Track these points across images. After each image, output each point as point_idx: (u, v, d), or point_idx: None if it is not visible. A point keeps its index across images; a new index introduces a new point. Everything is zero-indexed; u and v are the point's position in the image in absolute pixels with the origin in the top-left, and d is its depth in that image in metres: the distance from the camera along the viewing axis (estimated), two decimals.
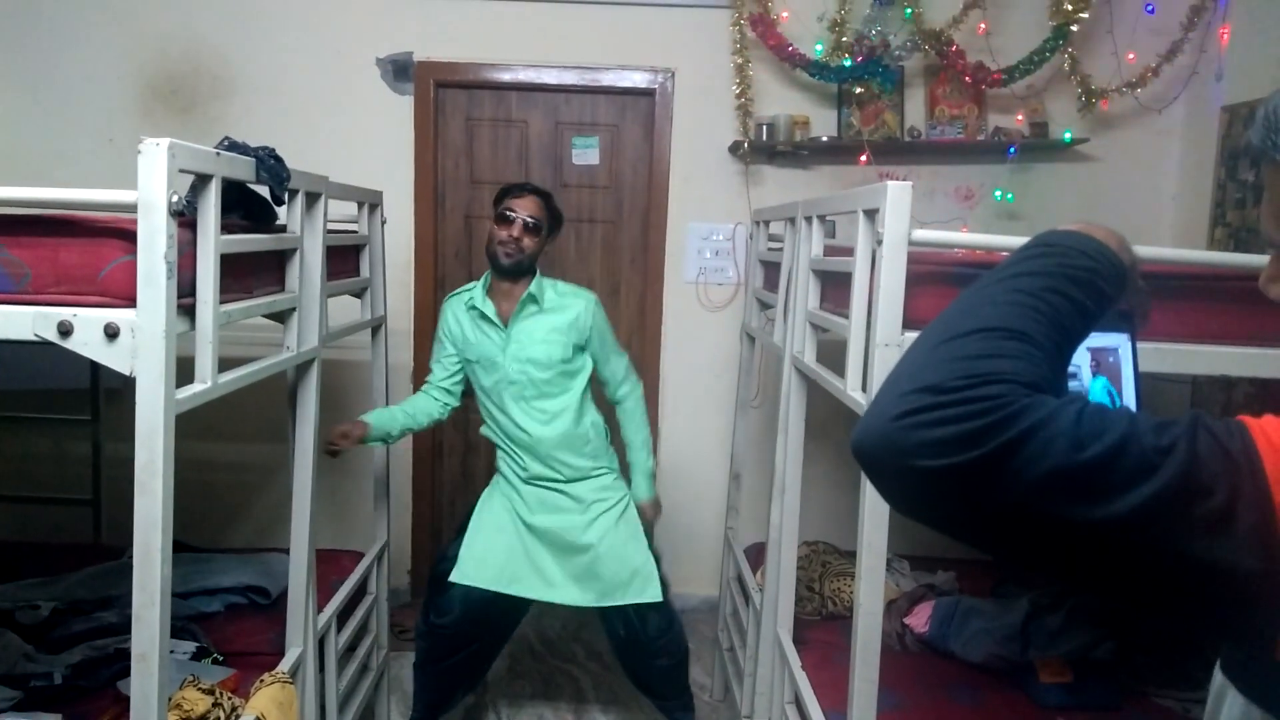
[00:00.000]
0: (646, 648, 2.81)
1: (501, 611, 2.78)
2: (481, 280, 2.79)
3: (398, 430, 2.79)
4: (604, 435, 2.87)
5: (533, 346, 2.71)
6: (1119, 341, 0.82)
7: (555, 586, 2.72)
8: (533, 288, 2.71)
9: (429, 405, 2.84)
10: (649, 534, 2.85)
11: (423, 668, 2.88)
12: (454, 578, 2.68)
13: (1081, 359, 0.81)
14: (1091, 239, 0.89)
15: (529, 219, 2.68)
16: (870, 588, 1.79)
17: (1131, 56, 3.75)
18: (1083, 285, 0.83)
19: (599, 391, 2.88)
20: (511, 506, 2.78)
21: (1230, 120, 3.51)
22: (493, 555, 2.71)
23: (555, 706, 3.34)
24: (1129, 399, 0.81)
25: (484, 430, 2.89)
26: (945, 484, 0.69)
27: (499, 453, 2.86)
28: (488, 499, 2.83)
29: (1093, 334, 0.82)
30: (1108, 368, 0.82)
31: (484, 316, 2.74)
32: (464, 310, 2.79)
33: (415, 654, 2.90)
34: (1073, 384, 0.80)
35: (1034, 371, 0.73)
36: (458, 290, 2.86)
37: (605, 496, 2.78)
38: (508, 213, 2.69)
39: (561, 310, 2.73)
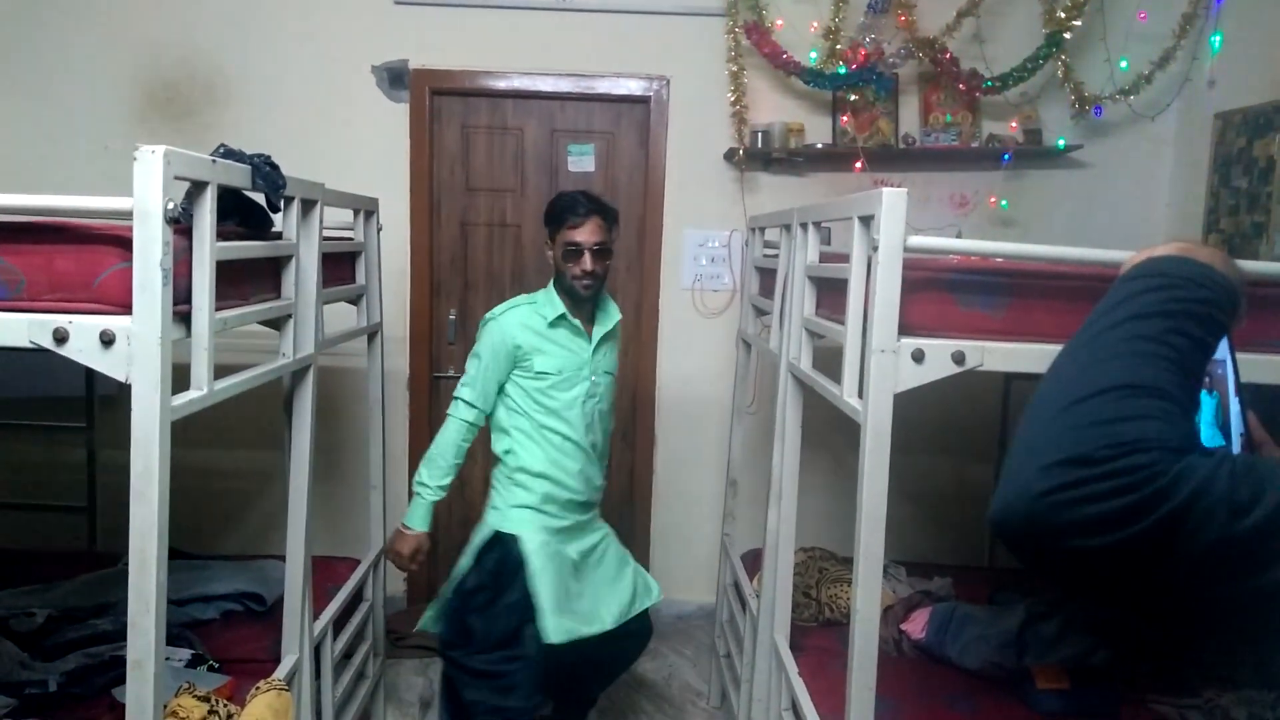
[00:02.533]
0: (625, 658, 2.84)
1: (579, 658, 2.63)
2: (545, 295, 2.63)
3: (444, 497, 2.62)
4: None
5: (606, 359, 2.69)
6: (1224, 352, 0.80)
7: (609, 612, 2.65)
8: (614, 303, 2.72)
9: (469, 439, 2.61)
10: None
11: None
12: (559, 638, 2.47)
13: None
14: (1199, 264, 0.82)
15: (596, 246, 2.54)
16: (867, 594, 1.79)
17: (1124, 64, 3.76)
18: (1202, 320, 0.77)
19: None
20: (560, 548, 2.60)
21: (1223, 127, 3.53)
22: (571, 603, 2.57)
23: None
24: (1234, 414, 0.79)
25: (528, 459, 2.60)
26: (1100, 562, 0.65)
27: (547, 485, 2.60)
28: (540, 549, 2.55)
29: None
30: (1217, 381, 0.79)
31: (575, 328, 2.61)
32: (535, 324, 2.59)
33: None
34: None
35: (1177, 431, 0.68)
36: (510, 305, 2.63)
37: (601, 526, 2.80)
38: (573, 248, 2.54)
39: (610, 312, 2.72)
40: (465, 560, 2.63)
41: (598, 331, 2.65)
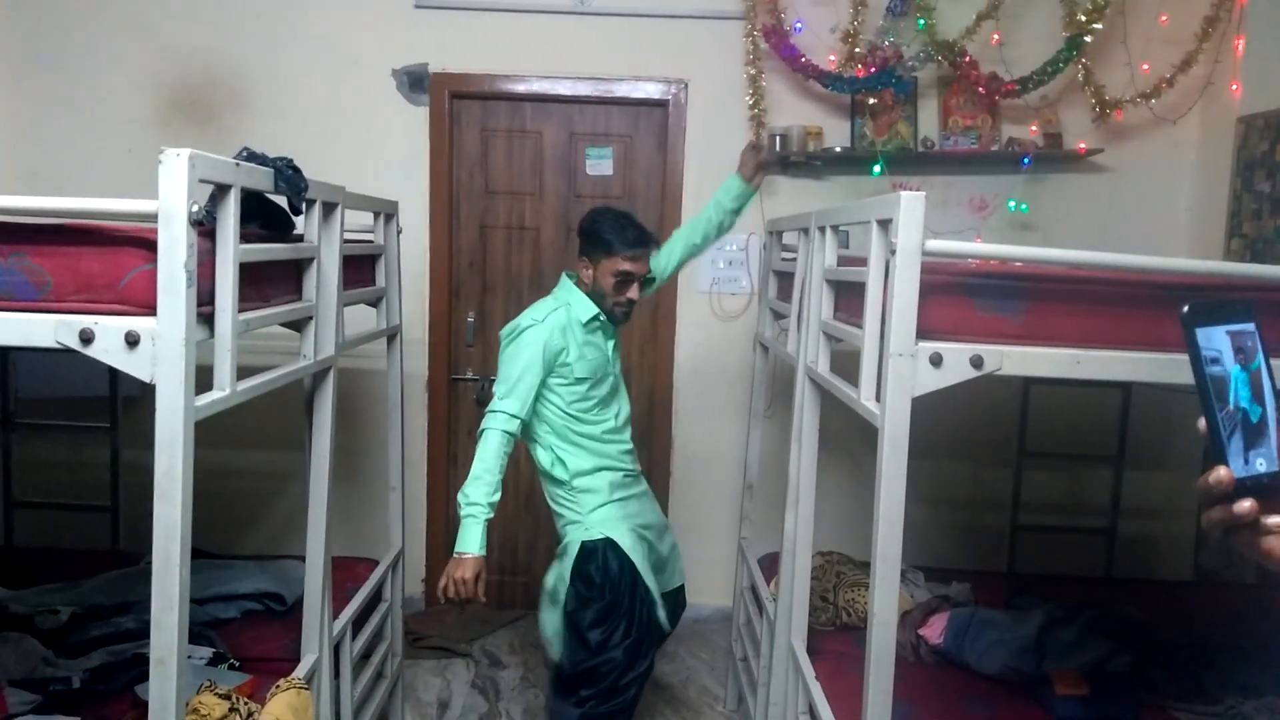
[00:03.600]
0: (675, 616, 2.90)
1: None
2: (569, 296, 2.64)
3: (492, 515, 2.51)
4: None
5: (617, 348, 2.79)
6: (1249, 326, 0.80)
7: (678, 570, 2.88)
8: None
9: (509, 450, 2.52)
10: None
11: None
12: (668, 625, 2.73)
13: (1222, 343, 0.79)
14: None
15: (645, 276, 2.69)
16: (885, 598, 1.78)
17: (1145, 67, 3.74)
18: None
19: None
20: (646, 535, 2.71)
21: (1246, 131, 3.50)
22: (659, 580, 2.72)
23: None
24: (1267, 385, 0.79)
25: (582, 470, 2.62)
26: None
27: (604, 474, 2.65)
28: (634, 546, 2.60)
29: (1223, 319, 0.80)
30: (1249, 353, 0.80)
31: (601, 328, 2.66)
32: (574, 328, 2.59)
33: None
34: (1214, 369, 0.79)
35: None
36: (544, 314, 2.58)
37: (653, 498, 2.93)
38: (629, 276, 2.59)
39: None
40: (560, 584, 2.63)
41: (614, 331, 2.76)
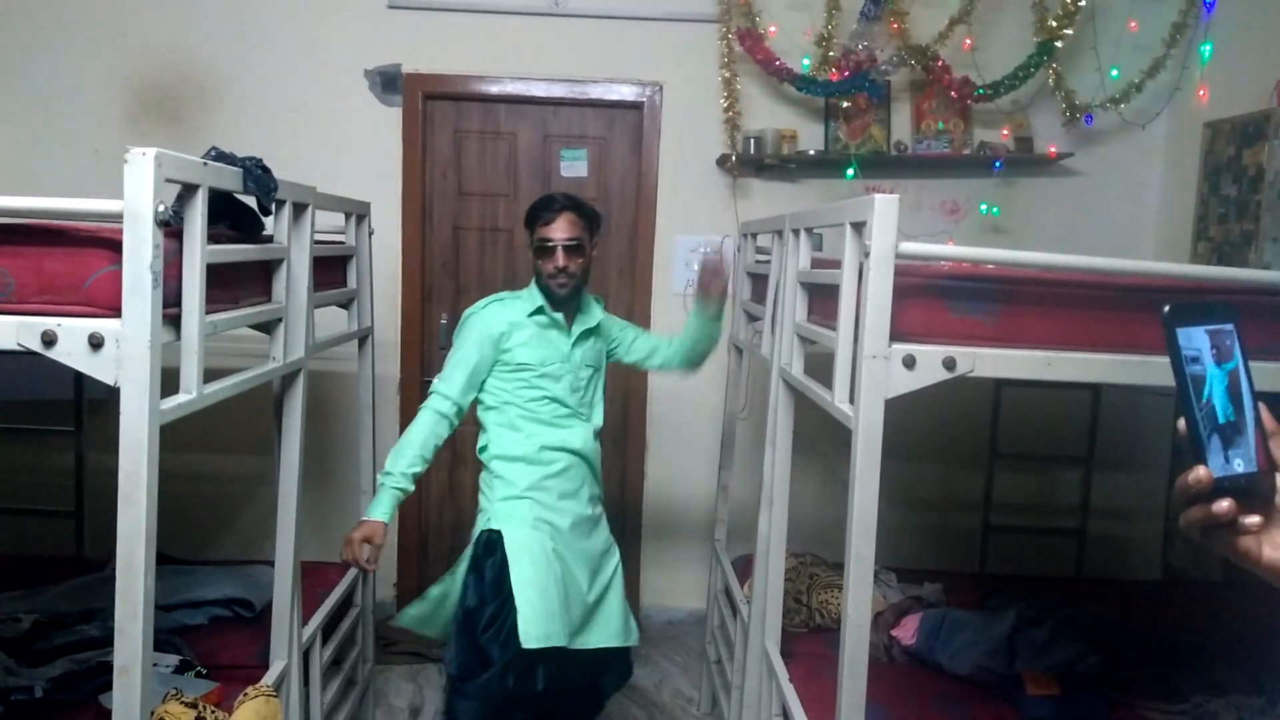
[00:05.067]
0: (599, 698, 2.74)
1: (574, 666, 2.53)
2: (527, 291, 2.62)
3: (410, 489, 2.50)
4: None
5: (588, 352, 2.66)
6: (1228, 327, 0.81)
7: (601, 630, 2.57)
8: (591, 297, 2.71)
9: (441, 430, 2.52)
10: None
11: None
12: (532, 643, 2.34)
13: (1201, 343, 0.80)
14: None
15: (568, 242, 2.52)
16: (858, 599, 1.79)
17: (1114, 72, 3.78)
18: None
19: None
20: (550, 544, 2.49)
21: (1213, 136, 3.55)
22: (559, 607, 2.43)
23: None
24: (1245, 386, 0.80)
25: (504, 447, 2.56)
26: None
27: (526, 468, 2.54)
28: (527, 545, 2.45)
29: (1204, 319, 0.80)
30: (1225, 352, 0.80)
31: (554, 322, 2.59)
32: (518, 317, 2.57)
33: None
34: (1194, 368, 0.79)
35: None
36: (498, 298, 2.63)
37: (608, 539, 2.71)
38: (546, 244, 2.53)
39: (591, 312, 2.70)
40: (460, 570, 2.55)
41: (577, 328, 2.63)
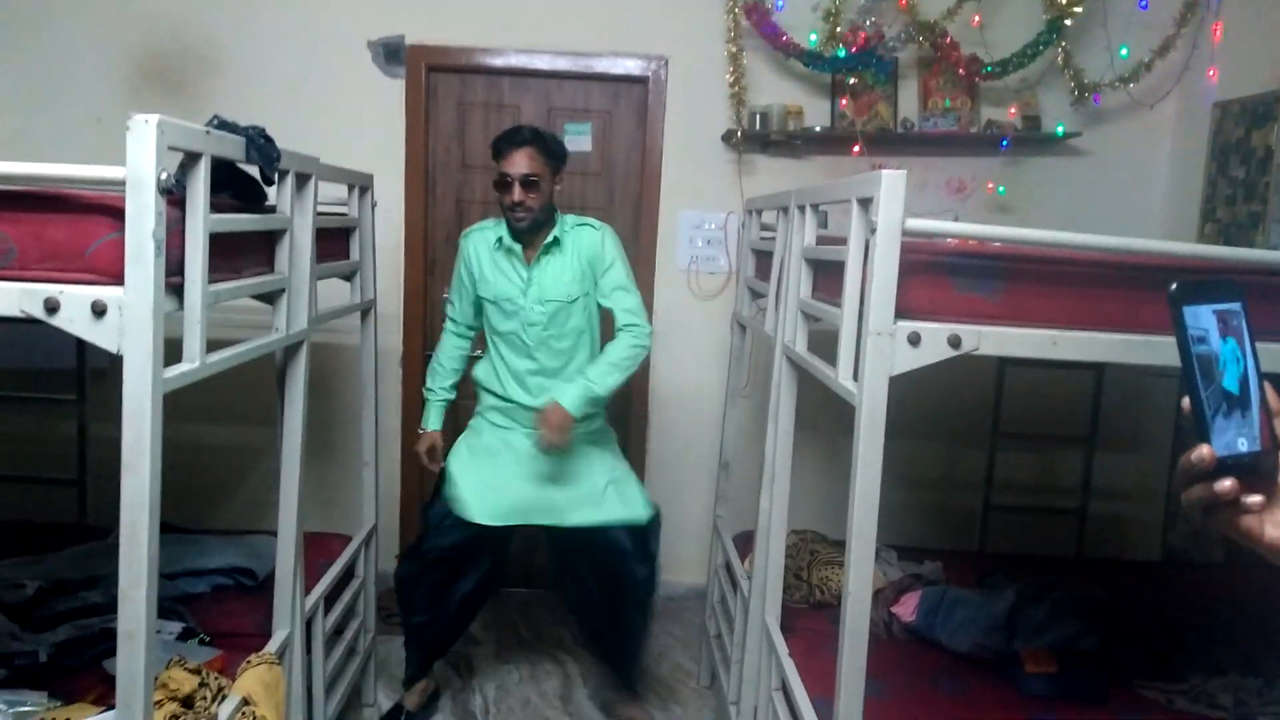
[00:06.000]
0: (623, 588, 2.87)
1: (496, 539, 2.84)
2: (496, 220, 2.77)
3: (450, 399, 2.98)
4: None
5: (553, 287, 2.73)
6: (1235, 306, 0.80)
7: (560, 511, 2.78)
8: (556, 231, 2.73)
9: (463, 346, 2.95)
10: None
11: (411, 604, 2.94)
12: (466, 515, 2.72)
13: (1208, 322, 0.80)
14: None
15: (525, 176, 2.63)
16: (859, 575, 1.79)
17: (1124, 51, 3.75)
18: None
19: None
20: (502, 437, 2.83)
21: (1222, 116, 3.52)
22: (499, 488, 2.76)
23: (542, 691, 3.34)
24: (1251, 366, 0.80)
25: (480, 372, 2.88)
26: None
27: (491, 398, 2.86)
28: (475, 434, 2.88)
29: (1211, 298, 0.80)
30: (1233, 330, 0.80)
31: (510, 254, 2.73)
32: (486, 247, 2.77)
33: (402, 601, 2.97)
34: (1200, 348, 0.79)
35: None
36: (479, 225, 2.85)
37: (594, 431, 2.89)
38: (504, 178, 2.66)
39: (577, 246, 2.74)
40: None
41: (540, 262, 2.72)
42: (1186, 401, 0.78)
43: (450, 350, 2.95)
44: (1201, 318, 0.79)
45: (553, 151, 2.71)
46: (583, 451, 2.83)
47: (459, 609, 2.98)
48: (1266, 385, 0.80)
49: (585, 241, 2.75)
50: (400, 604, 2.99)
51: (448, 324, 2.95)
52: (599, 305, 2.81)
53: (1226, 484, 0.75)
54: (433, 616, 2.95)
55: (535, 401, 2.74)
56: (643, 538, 2.87)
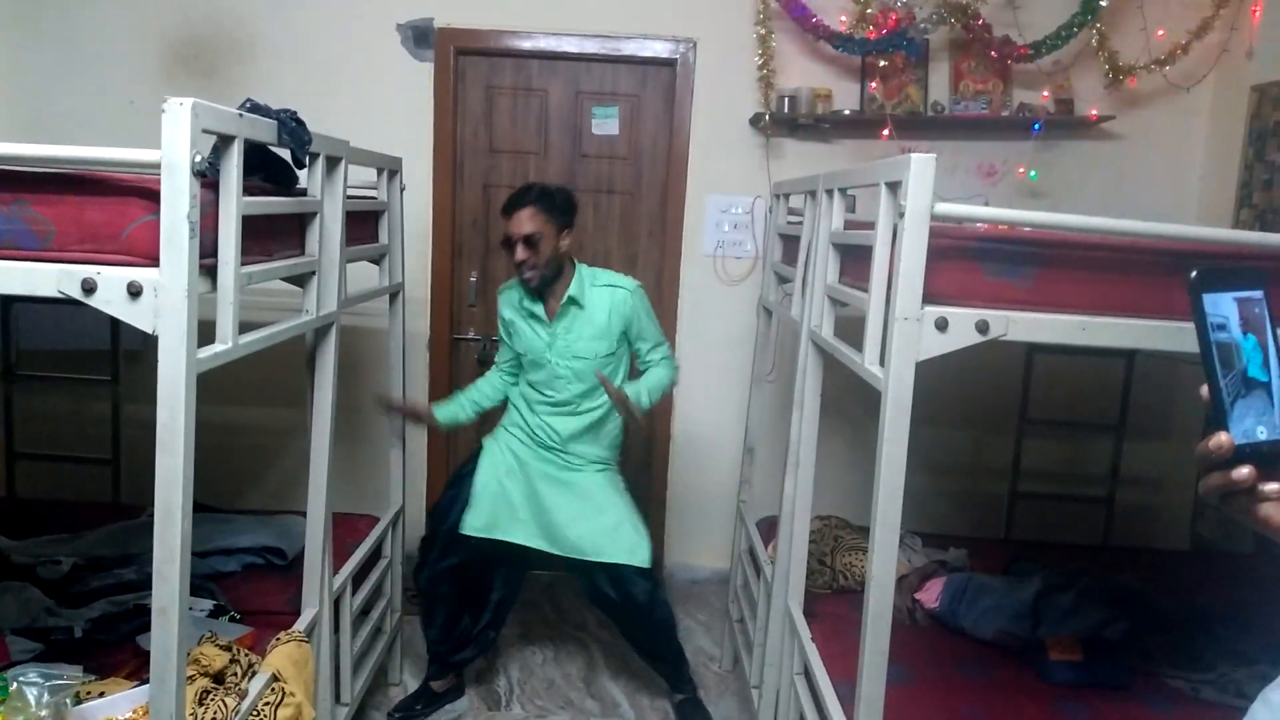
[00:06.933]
0: (637, 611, 2.91)
1: (510, 554, 2.93)
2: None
3: (466, 416, 3.01)
4: (622, 432, 3.00)
5: (578, 344, 2.81)
6: (1258, 294, 0.80)
7: (553, 537, 2.85)
8: (573, 289, 2.79)
9: (498, 384, 3.03)
10: (627, 435, 3.06)
11: (431, 613, 3.03)
12: (465, 530, 2.84)
13: (1229, 309, 0.79)
14: None
15: (526, 236, 2.70)
16: (883, 560, 1.79)
17: (1161, 33, 3.69)
18: None
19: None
20: (515, 455, 2.92)
21: (1260, 100, 3.46)
22: (499, 504, 2.87)
23: (566, 673, 3.37)
24: (1273, 354, 0.79)
25: (512, 392, 3.00)
26: None
27: (516, 415, 2.96)
28: (491, 450, 2.96)
29: (1232, 285, 0.79)
30: (1255, 318, 0.80)
31: (533, 315, 2.82)
32: (514, 304, 2.89)
33: (421, 606, 3.06)
34: (1221, 335, 0.79)
35: None
36: (506, 286, 2.95)
37: (604, 463, 2.95)
38: (508, 238, 2.74)
39: (602, 305, 2.80)
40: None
41: (563, 320, 2.80)
42: (1205, 389, 0.78)
43: (493, 381, 3.04)
44: (1222, 305, 0.79)
45: (559, 208, 2.75)
46: (595, 485, 2.90)
47: (477, 636, 3.09)
48: None
49: (616, 302, 2.81)
50: (421, 615, 3.09)
51: (494, 365, 3.07)
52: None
53: (1244, 471, 0.75)
54: (449, 641, 3.06)
55: (556, 433, 2.88)
56: (647, 578, 2.91)
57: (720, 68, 3.82)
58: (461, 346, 4.08)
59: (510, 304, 2.90)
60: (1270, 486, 0.76)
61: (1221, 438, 0.76)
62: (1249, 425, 0.77)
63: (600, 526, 2.83)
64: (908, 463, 1.76)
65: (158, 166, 1.47)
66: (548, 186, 2.79)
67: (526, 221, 2.70)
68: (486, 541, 2.87)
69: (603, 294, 2.81)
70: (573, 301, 2.78)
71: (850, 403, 3.52)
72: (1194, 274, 0.79)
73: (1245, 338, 0.78)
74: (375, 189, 2.94)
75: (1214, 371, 0.77)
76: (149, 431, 1.56)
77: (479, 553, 2.91)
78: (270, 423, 4.01)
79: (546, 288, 2.79)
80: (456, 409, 3.00)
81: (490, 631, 3.12)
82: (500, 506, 2.87)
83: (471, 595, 3.03)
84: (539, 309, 2.81)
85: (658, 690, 3.20)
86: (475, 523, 2.85)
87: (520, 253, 2.70)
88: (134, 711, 1.85)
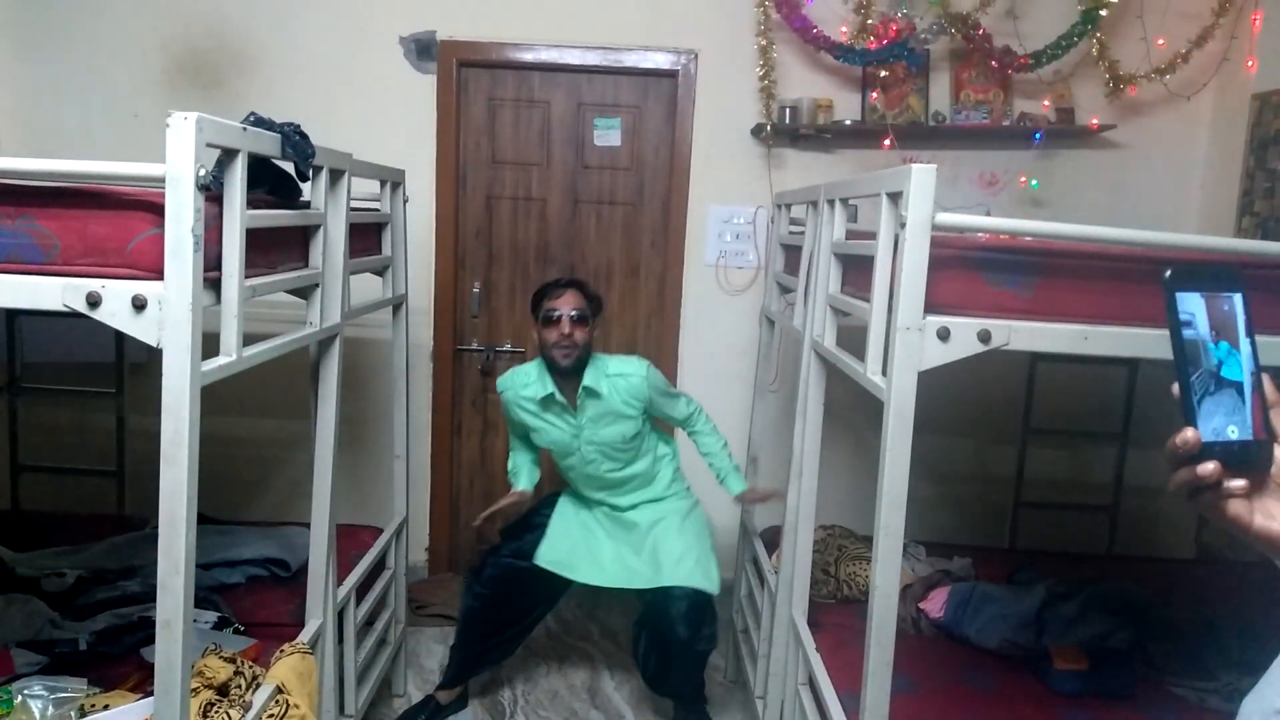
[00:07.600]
0: (681, 643, 2.81)
1: (544, 587, 2.98)
2: (535, 368, 2.90)
3: (536, 469, 3.13)
4: (675, 460, 3.09)
5: (603, 431, 2.86)
6: (1234, 295, 0.81)
7: (607, 570, 2.90)
8: (588, 379, 2.82)
9: (529, 448, 3.11)
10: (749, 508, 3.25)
11: (467, 628, 3.06)
12: (539, 561, 2.91)
13: (1197, 307, 0.80)
14: None
15: (573, 313, 2.77)
16: (886, 570, 1.79)
17: (1161, 42, 3.70)
18: None
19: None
20: (587, 507, 3.04)
21: (1261, 108, 3.47)
22: (577, 546, 2.95)
23: (570, 684, 3.37)
24: (1247, 355, 0.80)
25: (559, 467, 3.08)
26: None
27: (573, 487, 3.09)
28: (567, 498, 3.08)
29: (1205, 286, 0.80)
30: (1228, 318, 0.80)
31: (559, 407, 2.86)
32: (527, 400, 2.90)
33: (461, 615, 3.09)
34: (1189, 332, 0.79)
35: None
36: (511, 378, 2.95)
37: (674, 494, 3.05)
38: (552, 313, 2.78)
39: (618, 391, 2.84)
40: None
41: (584, 409, 2.84)
42: (1176, 387, 0.78)
43: (522, 451, 3.11)
44: (1190, 304, 0.80)
45: (593, 297, 2.89)
46: (664, 513, 2.99)
47: (508, 641, 3.16)
48: (1266, 377, 0.80)
49: (632, 388, 2.86)
50: (461, 628, 3.10)
51: (511, 449, 3.15)
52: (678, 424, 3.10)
53: (1209, 467, 0.76)
54: (488, 647, 3.11)
55: (613, 506, 2.99)
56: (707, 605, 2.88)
57: (721, 79, 3.83)
58: (465, 357, 4.09)
59: (520, 402, 2.92)
60: (1236, 483, 0.77)
61: (1188, 433, 0.77)
62: (1219, 423, 0.77)
63: (670, 552, 2.86)
64: (911, 472, 1.76)
65: (162, 180, 1.48)
66: (579, 279, 2.98)
67: (573, 300, 2.80)
68: (548, 573, 2.92)
69: (616, 383, 2.85)
70: (590, 393, 2.82)
71: (853, 412, 3.52)
72: (1168, 273, 0.80)
73: (1213, 336, 0.79)
74: (378, 201, 2.95)
75: (1184, 368, 0.79)
76: (153, 444, 1.56)
77: (538, 579, 2.96)
78: (273, 434, 4.01)
79: (572, 373, 2.82)
80: (528, 471, 3.09)
81: (513, 645, 3.17)
82: (578, 548, 2.94)
83: (514, 613, 3.07)
84: (565, 400, 2.85)
85: (662, 701, 3.19)
86: (550, 556, 2.92)
87: (567, 325, 2.76)
88: None
